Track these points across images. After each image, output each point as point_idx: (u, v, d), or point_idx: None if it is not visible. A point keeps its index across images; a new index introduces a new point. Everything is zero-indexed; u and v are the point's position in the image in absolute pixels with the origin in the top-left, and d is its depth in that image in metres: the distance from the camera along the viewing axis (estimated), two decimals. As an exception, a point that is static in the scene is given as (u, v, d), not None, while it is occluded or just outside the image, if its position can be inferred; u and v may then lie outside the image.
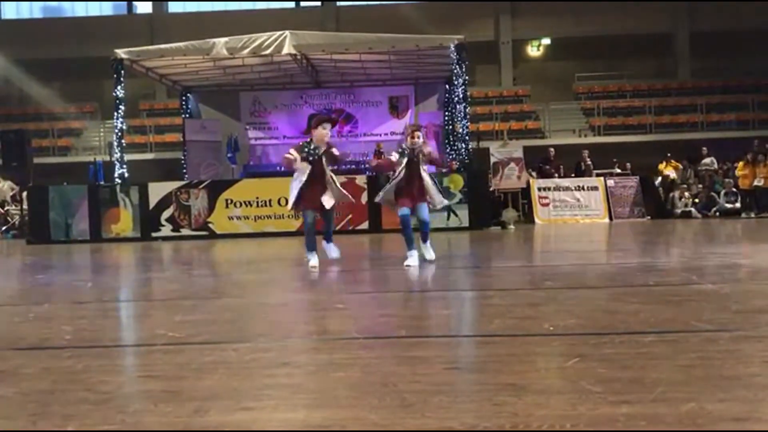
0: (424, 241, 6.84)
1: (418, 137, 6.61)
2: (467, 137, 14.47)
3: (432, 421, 2.01)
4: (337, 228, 12.87)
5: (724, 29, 25.81)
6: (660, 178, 17.92)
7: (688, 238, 10.42)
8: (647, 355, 2.73)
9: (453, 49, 14.27)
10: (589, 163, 17.30)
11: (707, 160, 18.94)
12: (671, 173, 18.04)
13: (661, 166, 18.34)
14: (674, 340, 2.98)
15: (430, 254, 6.76)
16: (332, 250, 6.99)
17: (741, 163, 17.09)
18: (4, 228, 16.67)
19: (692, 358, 2.65)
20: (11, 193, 17.44)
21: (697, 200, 16.88)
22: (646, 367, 2.52)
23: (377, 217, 12.95)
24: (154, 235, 13.05)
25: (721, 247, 8.58)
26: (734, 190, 16.57)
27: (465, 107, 14.52)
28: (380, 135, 18.30)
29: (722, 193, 16.78)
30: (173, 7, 28.93)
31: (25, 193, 14.89)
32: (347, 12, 27.27)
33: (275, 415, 2.14)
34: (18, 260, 9.93)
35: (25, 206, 14.87)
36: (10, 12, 29.12)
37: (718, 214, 16.27)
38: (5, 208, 17.46)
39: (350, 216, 12.92)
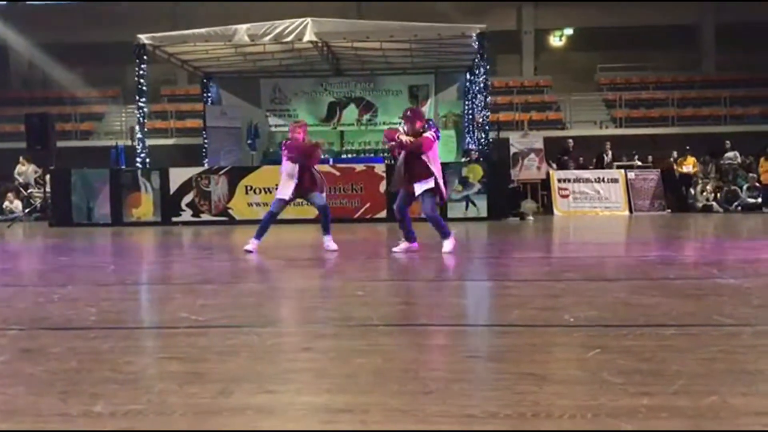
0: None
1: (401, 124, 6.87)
2: (487, 127, 14.40)
3: (454, 408, 2.03)
4: (355, 216, 12.95)
5: (751, 22, 25.37)
6: (678, 174, 17.67)
7: (709, 232, 10.33)
8: (668, 347, 2.72)
9: (475, 38, 14.16)
10: (610, 155, 17.15)
11: (730, 154, 18.67)
12: (688, 168, 17.77)
13: (681, 160, 18.09)
14: (695, 334, 2.98)
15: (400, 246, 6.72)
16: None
17: (762, 159, 16.83)
18: (27, 210, 16.89)
19: (714, 352, 2.65)
20: (35, 176, 17.66)
21: (718, 194, 16.68)
22: (667, 360, 2.52)
23: (396, 206, 12.95)
24: (174, 219, 13.14)
25: (742, 241, 8.50)
26: (757, 184, 16.34)
27: (486, 97, 14.44)
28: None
29: (745, 187, 16.57)
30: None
31: (48, 176, 15.05)
32: (369, 5, 27.08)
33: (298, 399, 2.18)
34: (40, 242, 10.07)
35: (47, 189, 15.03)
36: (35, -4, 29.26)
37: (739, 208, 16.08)
38: (29, 191, 17.68)
39: (368, 205, 12.92)
